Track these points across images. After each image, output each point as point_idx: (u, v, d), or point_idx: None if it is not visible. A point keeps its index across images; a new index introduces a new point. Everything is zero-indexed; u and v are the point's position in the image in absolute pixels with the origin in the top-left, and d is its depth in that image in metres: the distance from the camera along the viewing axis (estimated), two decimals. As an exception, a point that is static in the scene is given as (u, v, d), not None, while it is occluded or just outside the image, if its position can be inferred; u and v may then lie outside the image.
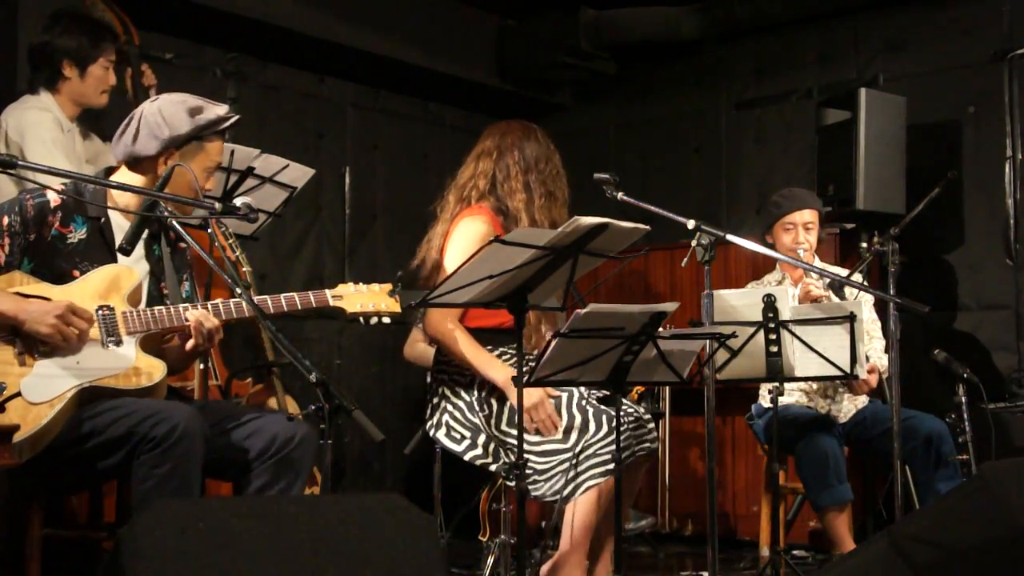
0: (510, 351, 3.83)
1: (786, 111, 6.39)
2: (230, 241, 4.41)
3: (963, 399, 4.55)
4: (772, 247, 4.72)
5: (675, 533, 6.01)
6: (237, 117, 3.33)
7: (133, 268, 3.20)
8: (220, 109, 3.29)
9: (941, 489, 4.36)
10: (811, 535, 5.39)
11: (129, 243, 3.19)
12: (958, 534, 2.58)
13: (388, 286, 3.35)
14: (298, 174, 4.30)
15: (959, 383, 4.56)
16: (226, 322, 3.18)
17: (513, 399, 3.71)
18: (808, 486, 4.46)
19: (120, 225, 3.23)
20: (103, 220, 3.20)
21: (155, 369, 3.10)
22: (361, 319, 3.34)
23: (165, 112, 3.22)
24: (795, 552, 5.26)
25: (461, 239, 3.79)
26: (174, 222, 3.19)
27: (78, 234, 3.16)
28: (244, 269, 4.55)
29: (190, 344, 3.12)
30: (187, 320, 3.11)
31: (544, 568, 3.77)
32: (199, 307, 3.14)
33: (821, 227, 4.76)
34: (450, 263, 3.76)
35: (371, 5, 6.14)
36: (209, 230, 3.11)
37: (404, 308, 3.45)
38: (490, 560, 4.26)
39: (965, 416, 4.52)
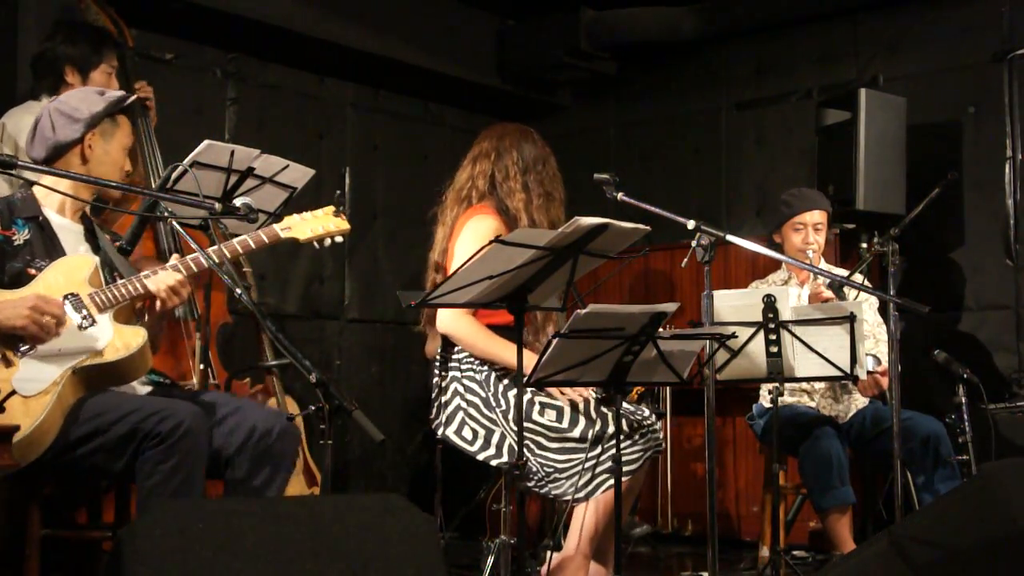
0: None
1: (786, 111, 6.38)
2: (230, 241, 4.40)
3: (963, 399, 4.54)
4: (780, 247, 4.72)
5: (675, 533, 6.01)
6: (136, 96, 3.46)
7: (86, 255, 3.25)
8: (119, 91, 3.44)
9: (941, 489, 4.35)
10: (811, 535, 5.39)
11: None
12: (958, 534, 2.59)
13: (331, 207, 3.41)
14: (298, 174, 4.29)
15: (959, 383, 4.55)
16: (193, 277, 3.24)
17: None
18: (811, 488, 4.46)
19: (58, 223, 3.29)
20: (41, 219, 3.26)
21: (136, 335, 3.14)
22: (316, 243, 3.37)
23: (74, 99, 3.33)
24: (795, 552, 5.26)
25: (473, 237, 3.77)
26: (174, 222, 3.20)
27: (22, 235, 3.21)
28: (244, 269, 4.54)
29: (158, 305, 3.17)
30: (148, 286, 3.16)
31: (546, 568, 3.77)
32: (157, 272, 3.18)
33: (829, 228, 4.77)
34: (458, 257, 3.76)
35: (371, 5, 6.14)
36: (209, 231, 3.12)
37: (405, 307, 3.44)
38: (490, 560, 4.25)
39: (965, 416, 4.51)
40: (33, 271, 3.16)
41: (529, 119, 7.08)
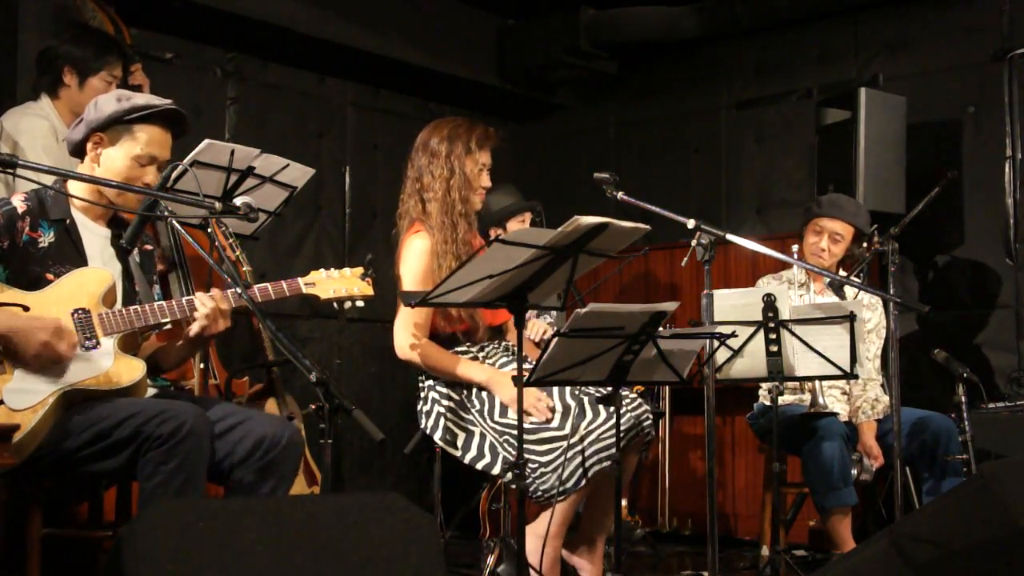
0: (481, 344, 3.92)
1: (786, 111, 6.38)
2: (230, 241, 4.41)
3: (963, 399, 4.54)
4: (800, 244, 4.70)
5: (675, 533, 6.01)
6: (168, 103, 3.26)
7: (105, 269, 3.20)
8: (156, 100, 3.26)
9: (942, 489, 4.36)
10: (811, 534, 5.39)
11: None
12: (958, 534, 2.58)
13: (360, 270, 3.42)
14: (298, 174, 4.30)
15: (959, 383, 4.55)
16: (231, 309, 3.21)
17: (499, 394, 3.75)
18: (814, 488, 4.46)
19: (85, 225, 3.24)
20: (68, 222, 3.21)
21: (134, 369, 3.11)
22: (335, 304, 3.39)
23: (99, 100, 3.26)
24: (795, 551, 5.26)
25: (408, 258, 3.93)
26: (174, 222, 3.19)
27: (47, 238, 3.16)
28: (244, 269, 4.54)
29: (194, 328, 3.14)
30: (192, 307, 3.14)
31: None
32: (197, 295, 3.16)
33: (856, 243, 4.70)
34: (405, 283, 3.91)
35: (371, 5, 6.14)
36: (209, 230, 3.11)
37: (405, 307, 3.44)
38: (490, 560, 4.26)
39: (965, 416, 4.51)
40: (51, 276, 3.12)
41: (529, 119, 7.11)
